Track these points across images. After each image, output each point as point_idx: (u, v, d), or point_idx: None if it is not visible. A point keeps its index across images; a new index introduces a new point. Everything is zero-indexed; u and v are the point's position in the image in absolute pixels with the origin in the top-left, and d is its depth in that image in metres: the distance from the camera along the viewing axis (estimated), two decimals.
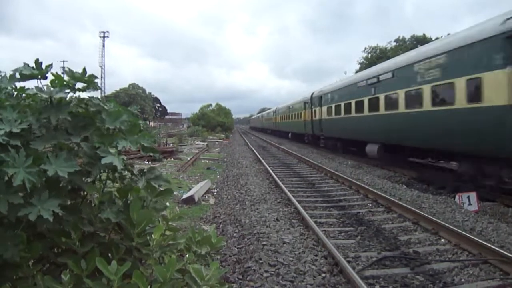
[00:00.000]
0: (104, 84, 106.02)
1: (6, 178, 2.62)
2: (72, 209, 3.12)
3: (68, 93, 3.23)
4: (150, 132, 3.48)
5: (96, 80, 3.35)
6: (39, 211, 2.59)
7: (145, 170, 3.51)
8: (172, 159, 28.55)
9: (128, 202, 3.26)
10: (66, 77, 3.21)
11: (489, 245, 7.87)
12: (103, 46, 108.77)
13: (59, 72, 3.24)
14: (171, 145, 38.31)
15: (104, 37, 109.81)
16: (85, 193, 3.36)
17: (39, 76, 3.14)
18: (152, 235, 3.20)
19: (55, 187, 2.92)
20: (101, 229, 3.27)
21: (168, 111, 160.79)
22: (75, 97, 3.36)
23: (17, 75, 3.15)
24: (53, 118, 3.01)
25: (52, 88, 3.13)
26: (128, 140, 3.21)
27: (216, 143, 54.11)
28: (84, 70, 3.26)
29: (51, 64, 3.22)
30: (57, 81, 3.16)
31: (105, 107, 3.35)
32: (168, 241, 3.46)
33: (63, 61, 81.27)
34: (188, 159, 28.25)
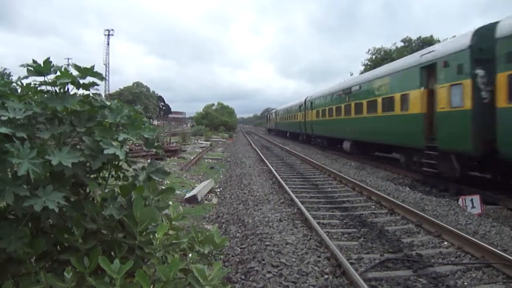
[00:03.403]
0: (109, 82, 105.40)
1: (12, 171, 2.65)
2: (75, 205, 3.13)
3: (73, 88, 3.28)
4: (152, 127, 3.50)
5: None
6: (44, 202, 2.61)
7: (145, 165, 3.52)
8: (176, 158, 28.56)
9: (132, 200, 3.26)
10: (74, 72, 3.24)
11: (492, 248, 7.83)
12: (108, 44, 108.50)
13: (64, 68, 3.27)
14: (174, 144, 38.28)
15: (109, 35, 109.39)
16: (88, 190, 3.37)
17: (46, 72, 3.16)
18: (156, 234, 3.18)
19: (59, 180, 2.94)
20: (104, 227, 3.27)
21: (172, 110, 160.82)
22: (79, 94, 3.39)
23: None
24: (59, 106, 3.05)
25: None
26: (129, 133, 3.22)
27: (220, 142, 54.18)
28: (92, 67, 3.30)
29: (62, 67, 3.25)
30: (62, 75, 3.18)
31: (108, 103, 3.39)
32: (171, 240, 3.45)
33: (68, 59, 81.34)
34: (192, 158, 28.26)
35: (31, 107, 2.97)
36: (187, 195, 13.91)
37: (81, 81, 3.29)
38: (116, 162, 3.36)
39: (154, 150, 3.65)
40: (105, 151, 2.94)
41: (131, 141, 3.32)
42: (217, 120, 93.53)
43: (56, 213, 2.76)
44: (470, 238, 8.50)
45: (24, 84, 3.29)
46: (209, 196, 15.27)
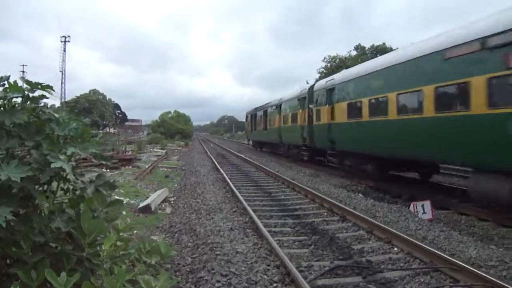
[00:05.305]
0: (65, 89, 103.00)
1: None
2: (24, 218, 3.14)
3: (22, 100, 3.28)
4: (99, 139, 3.54)
5: (53, 86, 3.40)
6: None
7: (94, 177, 3.55)
8: (131, 167, 28.31)
9: (80, 212, 3.28)
10: (24, 85, 3.25)
11: (440, 253, 8.02)
12: (64, 50, 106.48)
13: (20, 76, 3.26)
14: (130, 152, 37.90)
15: (65, 41, 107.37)
16: (36, 203, 3.38)
17: None
18: (103, 246, 3.22)
19: (6, 195, 2.94)
20: (52, 239, 3.28)
21: (129, 117, 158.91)
22: (28, 106, 3.39)
23: None
24: (7, 121, 3.05)
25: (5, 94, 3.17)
26: (77, 147, 3.25)
27: (176, 150, 53.93)
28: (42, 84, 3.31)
29: (9, 76, 3.25)
30: (11, 89, 3.19)
31: (56, 115, 3.40)
32: (119, 251, 3.48)
33: (23, 65, 79.97)
34: (147, 167, 28.03)
35: None
36: (141, 205, 13.83)
37: (30, 95, 3.30)
38: (64, 175, 3.38)
39: (104, 162, 3.69)
40: (52, 165, 2.95)
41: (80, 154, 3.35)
42: (173, 128, 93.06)
43: (4, 228, 2.77)
44: (419, 243, 8.69)
45: None
46: (163, 206, 15.20)
